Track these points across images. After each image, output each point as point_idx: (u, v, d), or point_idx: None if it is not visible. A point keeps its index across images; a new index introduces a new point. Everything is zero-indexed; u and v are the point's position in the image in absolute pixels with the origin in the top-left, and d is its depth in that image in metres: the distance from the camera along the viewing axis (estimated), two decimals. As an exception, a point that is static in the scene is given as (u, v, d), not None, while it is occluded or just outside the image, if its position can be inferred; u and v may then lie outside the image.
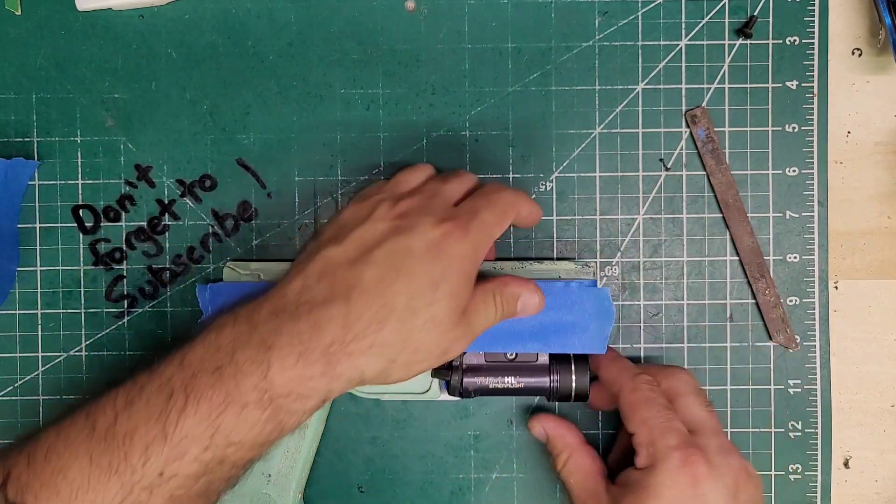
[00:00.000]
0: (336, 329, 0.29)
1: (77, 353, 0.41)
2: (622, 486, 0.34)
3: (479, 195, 0.34)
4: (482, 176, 0.41)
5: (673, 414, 0.35)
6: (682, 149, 0.41)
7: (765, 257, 0.41)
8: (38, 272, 0.40)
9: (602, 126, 0.41)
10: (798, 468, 0.41)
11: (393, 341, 0.30)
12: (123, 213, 0.41)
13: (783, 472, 0.41)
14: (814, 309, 0.41)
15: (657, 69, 0.41)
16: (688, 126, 0.41)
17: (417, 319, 0.30)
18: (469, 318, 0.32)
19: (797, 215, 0.41)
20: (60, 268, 0.40)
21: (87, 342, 0.40)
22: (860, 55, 0.41)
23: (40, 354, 0.40)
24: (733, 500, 0.33)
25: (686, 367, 0.41)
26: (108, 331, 0.41)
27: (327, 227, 0.34)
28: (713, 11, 0.41)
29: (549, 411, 0.41)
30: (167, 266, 0.41)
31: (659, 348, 0.41)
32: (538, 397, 0.41)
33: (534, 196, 0.41)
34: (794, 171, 0.41)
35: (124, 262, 0.41)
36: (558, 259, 0.40)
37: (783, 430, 0.41)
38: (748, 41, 0.41)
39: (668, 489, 0.32)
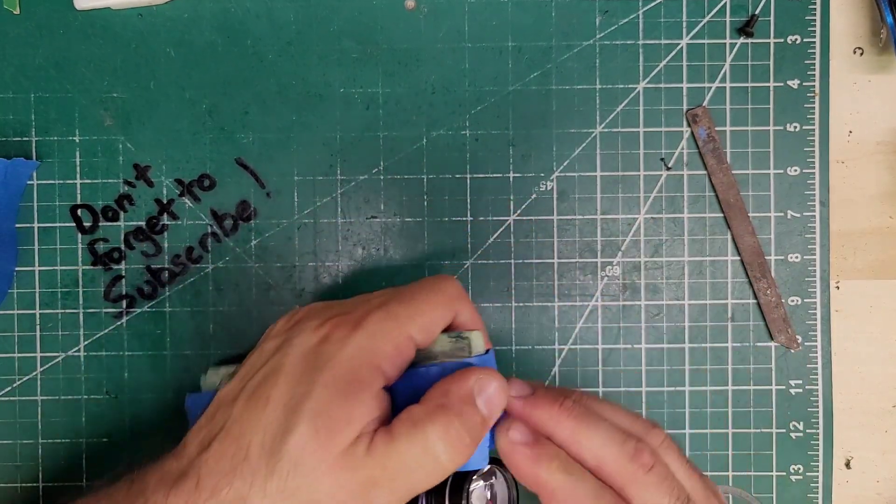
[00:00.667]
0: (190, 487, 0.23)
1: (75, 354, 0.40)
2: None
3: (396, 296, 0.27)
4: (482, 176, 0.41)
5: (667, 479, 0.27)
6: (683, 148, 0.41)
7: (766, 257, 0.41)
8: (37, 272, 0.40)
9: (603, 125, 0.41)
10: (799, 469, 0.41)
11: (251, 497, 0.22)
12: (122, 213, 0.41)
13: (784, 473, 0.41)
14: (815, 309, 0.41)
15: (658, 68, 0.41)
16: (689, 125, 0.41)
17: (278, 461, 0.22)
18: (390, 459, 0.23)
19: (798, 215, 0.41)
20: (59, 268, 0.40)
21: (86, 342, 0.40)
22: (862, 54, 0.41)
23: (38, 355, 0.40)
24: None
25: (687, 367, 0.41)
26: (106, 331, 0.40)
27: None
28: (714, 10, 0.41)
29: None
30: (166, 266, 0.40)
31: (660, 349, 0.41)
32: None
33: (534, 196, 0.41)
34: (795, 170, 0.41)
35: (123, 262, 0.40)
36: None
37: (784, 430, 0.41)
38: (749, 40, 0.41)
39: None
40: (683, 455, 0.29)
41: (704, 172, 0.41)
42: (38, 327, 0.40)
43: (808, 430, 0.41)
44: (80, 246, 0.40)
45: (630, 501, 0.26)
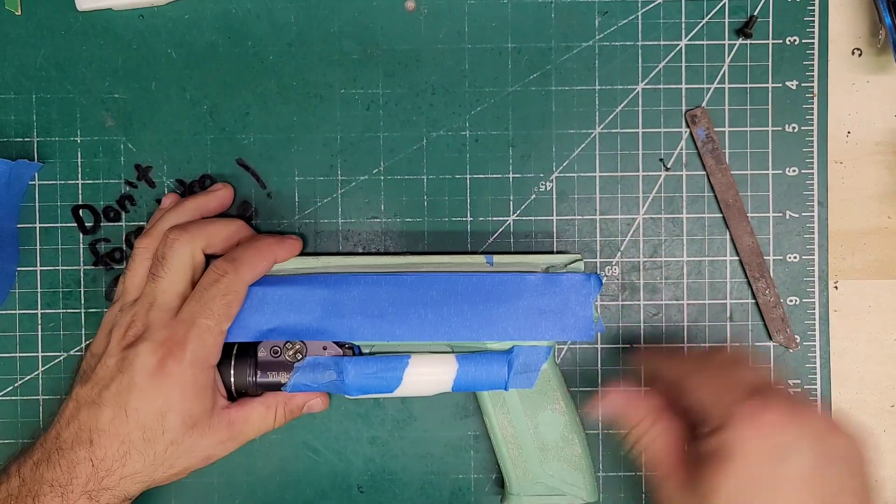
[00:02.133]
0: (87, 469, 0.32)
1: (77, 353, 0.41)
2: (697, 454, 0.31)
3: (194, 297, 0.35)
4: (482, 176, 0.41)
5: (732, 375, 0.32)
6: (681, 149, 0.41)
7: (765, 257, 0.41)
8: (38, 272, 0.40)
9: (602, 126, 0.41)
10: (798, 468, 0.41)
11: (141, 469, 0.33)
12: (123, 213, 0.41)
13: (783, 472, 0.41)
14: (814, 309, 0.41)
15: (657, 69, 0.41)
16: (688, 126, 0.41)
17: (157, 447, 0.33)
18: (238, 427, 0.35)
19: (797, 215, 0.41)
20: (60, 268, 0.40)
21: (87, 342, 0.40)
22: (860, 55, 0.41)
23: (40, 354, 0.40)
24: (822, 453, 0.29)
25: (686, 367, 0.41)
26: (108, 331, 0.41)
27: (85, 358, 0.36)
28: (713, 11, 0.41)
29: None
30: (167, 266, 0.41)
31: (659, 349, 0.41)
32: None
33: (533, 196, 0.41)
34: (794, 171, 0.41)
35: (124, 262, 0.41)
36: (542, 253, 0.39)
37: (783, 430, 0.41)
38: (748, 41, 0.41)
39: (745, 444, 0.29)
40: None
41: (703, 173, 0.41)
42: (39, 327, 0.41)
43: (806, 430, 0.41)
44: (81, 246, 0.41)
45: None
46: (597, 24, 0.41)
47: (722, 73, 0.41)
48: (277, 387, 0.37)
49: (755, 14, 0.40)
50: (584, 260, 0.41)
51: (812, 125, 0.41)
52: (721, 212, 0.41)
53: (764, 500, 0.29)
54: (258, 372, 0.37)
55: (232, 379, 0.36)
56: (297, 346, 0.37)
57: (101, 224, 0.41)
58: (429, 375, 0.37)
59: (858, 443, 0.30)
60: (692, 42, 0.41)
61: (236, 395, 0.37)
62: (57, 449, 0.33)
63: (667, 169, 0.41)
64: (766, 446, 0.29)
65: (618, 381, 0.40)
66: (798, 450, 0.29)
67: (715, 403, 0.31)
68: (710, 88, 0.41)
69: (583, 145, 0.41)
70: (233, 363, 0.36)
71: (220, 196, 0.39)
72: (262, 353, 0.37)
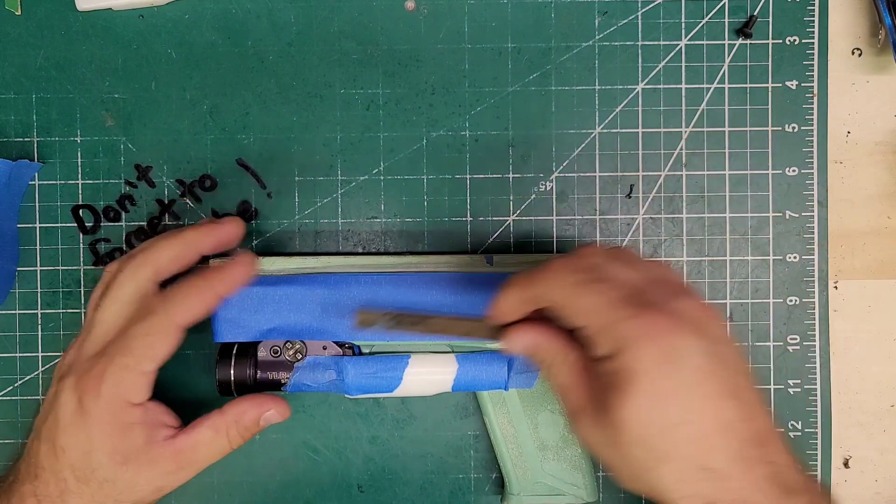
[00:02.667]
0: (34, 502, 0.32)
1: (77, 353, 0.41)
2: (597, 383, 0.29)
3: (121, 333, 0.33)
4: (482, 176, 0.41)
5: (608, 283, 0.29)
6: (682, 148, 0.41)
7: (765, 257, 0.41)
8: (38, 272, 0.40)
9: (602, 126, 0.41)
10: (798, 468, 0.41)
11: (86, 503, 0.32)
12: (123, 214, 0.41)
13: (783, 472, 0.41)
14: (813, 309, 0.41)
15: (657, 69, 0.41)
16: (686, 127, 0.41)
17: (91, 486, 0.32)
18: (187, 457, 0.33)
19: (797, 215, 0.41)
20: (60, 268, 0.40)
21: (88, 342, 0.40)
22: (860, 55, 0.41)
23: (40, 354, 0.40)
24: (708, 342, 0.28)
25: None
26: (108, 331, 0.41)
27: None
28: (713, 11, 0.41)
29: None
30: (167, 266, 0.41)
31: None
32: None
33: (533, 196, 0.41)
34: (793, 170, 0.41)
35: (124, 262, 0.41)
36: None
37: (783, 429, 0.41)
38: (748, 41, 0.41)
39: (642, 363, 0.27)
40: (634, 254, 0.32)
41: (703, 173, 0.41)
42: (39, 327, 0.41)
43: (806, 430, 0.41)
44: (81, 246, 0.41)
45: (569, 324, 0.30)
46: (597, 24, 0.41)
47: (722, 73, 0.41)
48: (278, 386, 0.37)
49: (755, 14, 0.40)
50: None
51: (812, 125, 0.41)
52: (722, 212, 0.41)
53: (675, 410, 0.27)
54: (258, 371, 0.37)
55: (232, 379, 0.36)
56: (297, 346, 0.37)
57: (101, 224, 0.41)
58: (429, 375, 0.37)
59: (720, 318, 0.31)
60: (692, 42, 0.41)
61: (237, 395, 0.37)
62: (13, 481, 0.33)
63: (629, 197, 0.41)
64: (663, 358, 0.27)
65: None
66: (691, 352, 0.27)
67: (602, 327, 0.28)
68: (710, 88, 0.41)
69: (583, 145, 0.41)
70: (233, 363, 0.36)
71: (218, 234, 0.36)
72: (263, 353, 0.37)
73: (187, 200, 0.41)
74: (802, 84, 0.41)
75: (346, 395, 0.38)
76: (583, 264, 0.30)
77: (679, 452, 0.27)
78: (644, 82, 0.41)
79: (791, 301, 0.41)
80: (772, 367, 0.41)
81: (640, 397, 0.27)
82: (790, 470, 0.27)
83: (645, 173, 0.41)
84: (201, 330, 0.41)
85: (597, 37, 0.41)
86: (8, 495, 0.33)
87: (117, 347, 0.33)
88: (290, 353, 0.37)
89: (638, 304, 0.28)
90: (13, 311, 0.40)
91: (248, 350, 0.37)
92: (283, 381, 0.37)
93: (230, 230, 0.36)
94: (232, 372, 0.36)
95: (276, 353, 0.37)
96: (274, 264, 0.38)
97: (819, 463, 0.41)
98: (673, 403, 0.27)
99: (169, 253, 0.35)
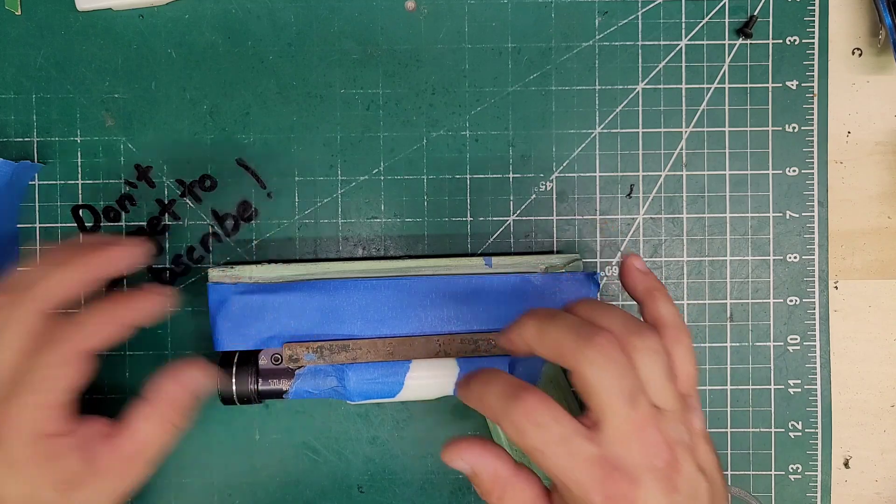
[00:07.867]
0: None
1: (77, 354, 0.40)
2: None
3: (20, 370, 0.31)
4: (482, 176, 0.41)
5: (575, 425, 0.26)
6: (682, 148, 0.41)
7: (765, 257, 0.41)
8: (38, 272, 0.40)
9: (602, 126, 0.41)
10: (798, 468, 0.41)
11: None
12: (123, 214, 0.41)
13: (783, 472, 0.41)
14: (814, 309, 0.41)
15: (657, 69, 0.41)
16: (685, 127, 0.41)
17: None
18: (138, 459, 0.32)
19: (797, 215, 0.41)
20: (60, 268, 0.40)
21: (87, 342, 0.40)
22: (860, 55, 0.41)
23: (40, 354, 0.40)
24: None
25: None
26: (108, 331, 0.40)
27: None
28: (713, 11, 0.41)
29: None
30: (167, 266, 0.41)
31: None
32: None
33: (533, 196, 0.41)
34: (794, 170, 0.41)
35: (124, 262, 0.40)
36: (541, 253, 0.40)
37: (783, 429, 0.41)
38: (748, 41, 0.41)
39: None
40: (668, 367, 0.27)
41: (703, 173, 0.41)
42: (39, 327, 0.40)
43: (806, 430, 0.41)
44: (81, 246, 0.40)
45: (577, 375, 0.26)
46: (597, 24, 0.41)
47: (722, 73, 0.41)
48: (280, 394, 0.37)
49: (755, 14, 0.40)
50: (584, 260, 0.41)
51: (812, 125, 0.41)
52: (722, 211, 0.41)
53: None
54: (260, 380, 0.37)
55: (234, 388, 0.36)
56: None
57: (101, 224, 0.41)
58: (430, 379, 0.37)
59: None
60: (692, 42, 0.41)
61: (240, 405, 0.37)
62: None
63: (629, 197, 0.41)
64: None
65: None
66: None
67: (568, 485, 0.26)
68: (710, 88, 0.41)
69: (583, 145, 0.41)
70: (234, 372, 0.36)
71: (110, 257, 0.33)
72: (264, 361, 0.37)
73: (187, 200, 0.41)
74: (803, 84, 0.41)
75: (349, 402, 0.38)
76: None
77: None
78: (644, 82, 0.41)
79: (791, 301, 0.41)
80: (772, 367, 0.41)
81: None
82: None
83: (645, 173, 0.41)
84: (199, 337, 0.41)
85: (597, 37, 0.41)
86: None
87: (23, 386, 0.30)
88: (290, 358, 0.37)
89: (610, 475, 0.26)
90: (13, 312, 0.40)
91: (249, 359, 0.37)
92: (284, 389, 0.37)
93: (123, 254, 0.33)
94: (234, 381, 0.36)
95: (278, 360, 0.37)
96: (273, 272, 0.38)
97: (819, 463, 0.41)
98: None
99: (61, 286, 0.32)
